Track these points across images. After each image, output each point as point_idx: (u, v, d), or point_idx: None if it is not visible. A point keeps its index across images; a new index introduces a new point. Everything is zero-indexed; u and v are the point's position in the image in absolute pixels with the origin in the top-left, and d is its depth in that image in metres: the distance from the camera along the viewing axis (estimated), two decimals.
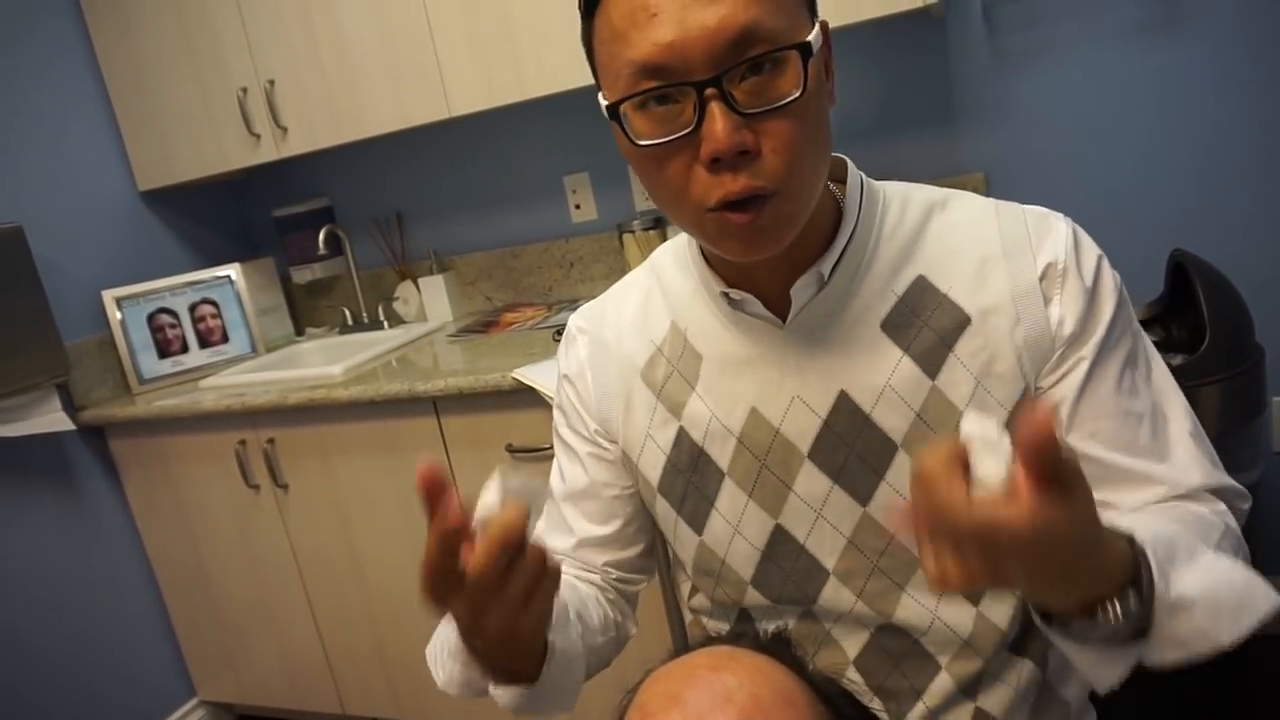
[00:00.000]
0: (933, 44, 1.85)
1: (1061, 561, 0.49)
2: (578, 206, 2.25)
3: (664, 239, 2.03)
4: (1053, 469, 0.46)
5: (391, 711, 2.09)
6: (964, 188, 2.00)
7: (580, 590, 0.85)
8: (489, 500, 0.57)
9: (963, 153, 1.88)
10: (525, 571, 0.58)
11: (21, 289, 1.96)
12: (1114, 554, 0.53)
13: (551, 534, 0.90)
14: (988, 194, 1.84)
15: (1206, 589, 0.54)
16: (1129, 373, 0.73)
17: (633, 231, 2.01)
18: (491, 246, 2.37)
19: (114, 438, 2.18)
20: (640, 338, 0.84)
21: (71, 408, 2.11)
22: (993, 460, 0.48)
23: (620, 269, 2.20)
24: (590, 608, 0.83)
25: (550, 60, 1.81)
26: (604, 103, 0.68)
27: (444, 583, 0.56)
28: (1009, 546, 0.47)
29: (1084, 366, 0.72)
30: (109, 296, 2.20)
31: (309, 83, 2.03)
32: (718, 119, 0.62)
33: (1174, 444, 0.73)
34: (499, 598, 0.57)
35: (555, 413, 0.92)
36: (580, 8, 0.69)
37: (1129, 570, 0.53)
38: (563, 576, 0.84)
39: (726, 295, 0.77)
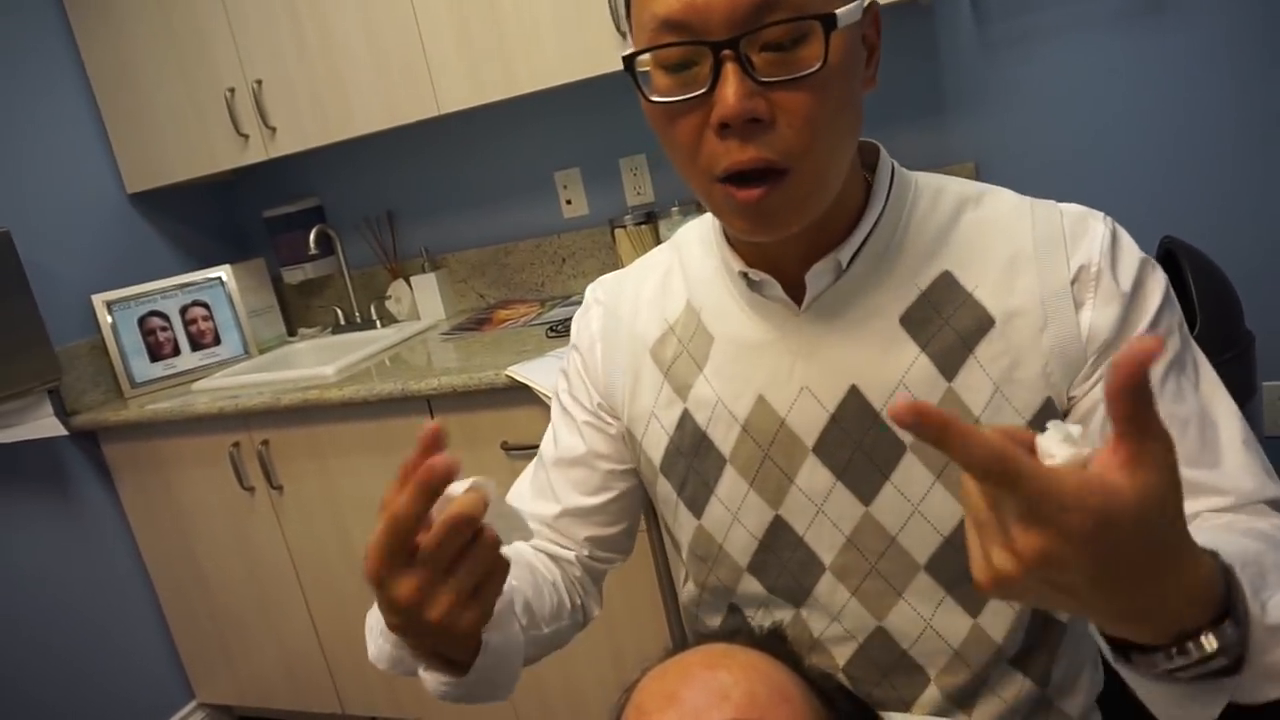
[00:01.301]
0: (921, 33, 1.85)
1: (1145, 564, 0.42)
2: (569, 202, 2.24)
3: (656, 233, 2.03)
4: (1147, 427, 0.40)
5: (390, 710, 2.09)
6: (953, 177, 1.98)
7: (538, 574, 0.82)
8: (453, 491, 0.55)
9: (952, 142, 1.88)
10: (476, 561, 0.56)
11: (10, 294, 1.95)
12: (1200, 569, 0.45)
13: (536, 500, 0.88)
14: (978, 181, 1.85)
15: None
16: (1173, 377, 0.68)
17: (624, 226, 2.01)
18: (483, 244, 2.36)
19: (107, 442, 2.17)
20: (654, 315, 0.83)
21: (64, 413, 2.10)
22: (1072, 448, 0.42)
23: (613, 264, 2.20)
24: (544, 596, 0.81)
25: (539, 57, 1.80)
26: (623, 55, 0.66)
27: (392, 559, 0.54)
28: (1092, 531, 0.40)
29: None
30: (99, 300, 2.19)
31: (297, 82, 2.02)
32: (730, 82, 0.60)
33: (1225, 452, 0.67)
34: (445, 585, 0.55)
35: (558, 378, 0.91)
36: None
37: (1217, 591, 0.46)
38: (526, 556, 0.83)
39: (745, 275, 0.75)
